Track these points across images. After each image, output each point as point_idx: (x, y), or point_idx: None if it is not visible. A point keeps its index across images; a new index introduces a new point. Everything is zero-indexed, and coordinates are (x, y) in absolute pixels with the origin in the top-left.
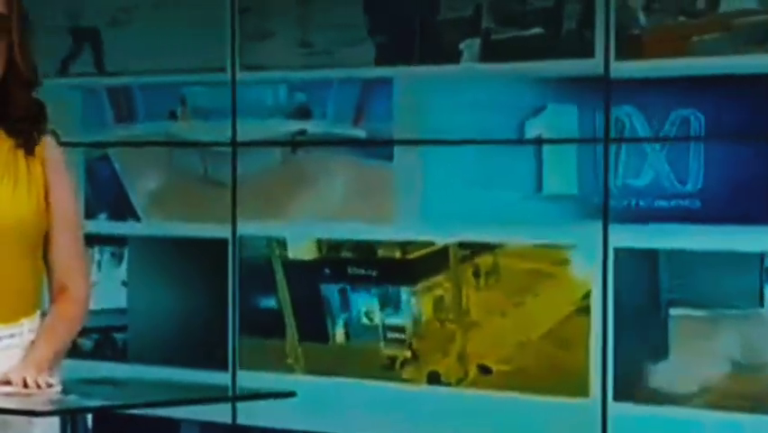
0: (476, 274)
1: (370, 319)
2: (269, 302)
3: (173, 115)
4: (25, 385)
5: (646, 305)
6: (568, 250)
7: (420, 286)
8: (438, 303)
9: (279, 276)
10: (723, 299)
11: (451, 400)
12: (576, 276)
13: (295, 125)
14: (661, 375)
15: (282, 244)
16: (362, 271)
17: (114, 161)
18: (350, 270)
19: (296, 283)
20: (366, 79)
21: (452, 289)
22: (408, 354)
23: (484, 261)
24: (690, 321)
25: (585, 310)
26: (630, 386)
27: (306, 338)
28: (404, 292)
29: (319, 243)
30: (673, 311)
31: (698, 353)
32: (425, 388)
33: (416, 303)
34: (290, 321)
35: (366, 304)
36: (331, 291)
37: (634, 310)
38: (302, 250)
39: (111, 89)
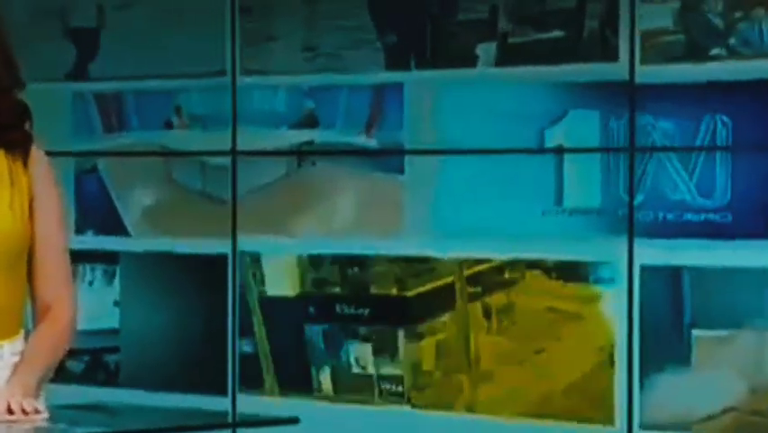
0: (487, 314)
1: (363, 367)
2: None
3: (168, 125)
4: (10, 412)
5: (672, 325)
6: (590, 269)
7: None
8: (441, 349)
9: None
10: (751, 317)
11: None
12: (602, 306)
13: (301, 135)
14: (687, 400)
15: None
16: (352, 310)
17: (102, 173)
18: (338, 308)
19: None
20: (378, 85)
21: (458, 332)
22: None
23: (496, 299)
24: (714, 342)
25: (607, 330)
26: (657, 414)
27: (286, 387)
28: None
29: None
30: (698, 332)
31: (722, 371)
32: None
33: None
34: (269, 368)
35: (356, 349)
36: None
37: (659, 330)
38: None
39: (99, 96)
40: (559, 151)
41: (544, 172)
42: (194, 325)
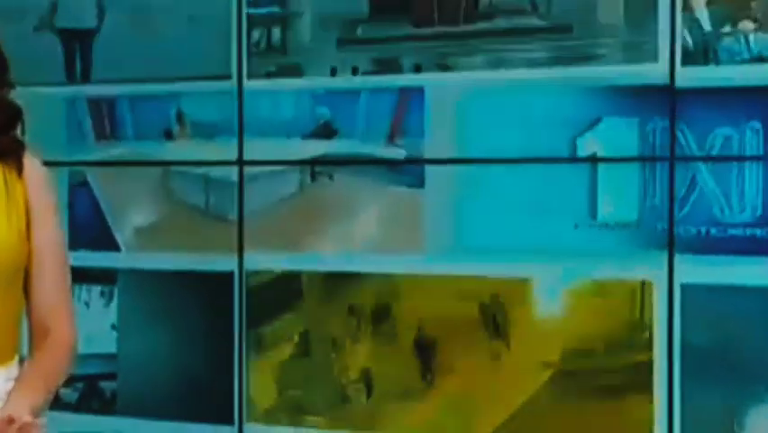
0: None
1: None
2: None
3: (168, 135)
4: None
5: (717, 349)
6: (627, 288)
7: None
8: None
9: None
10: None
11: None
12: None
13: (315, 147)
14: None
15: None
16: None
17: (93, 187)
18: None
19: None
20: (402, 88)
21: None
22: None
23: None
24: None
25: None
26: None
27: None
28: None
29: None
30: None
31: None
32: None
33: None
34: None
35: None
36: None
37: (703, 355)
38: None
39: (92, 101)
40: (593, 160)
41: (577, 183)
42: (197, 348)
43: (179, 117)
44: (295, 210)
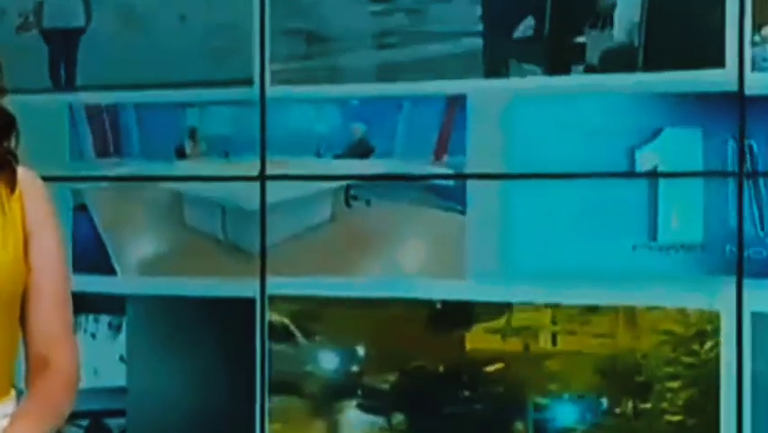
0: None
1: None
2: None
3: (180, 153)
4: None
5: None
6: (691, 316)
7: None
8: None
9: None
10: None
11: None
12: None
13: (350, 167)
14: None
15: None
16: None
17: (93, 211)
18: None
19: None
20: (448, 97)
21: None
22: None
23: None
24: None
25: (712, 388)
26: None
27: None
28: None
29: None
30: None
31: None
32: None
33: None
34: None
35: None
36: None
37: None
38: None
39: (91, 109)
40: (653, 175)
41: (635, 201)
42: (215, 381)
43: (192, 134)
44: (325, 241)
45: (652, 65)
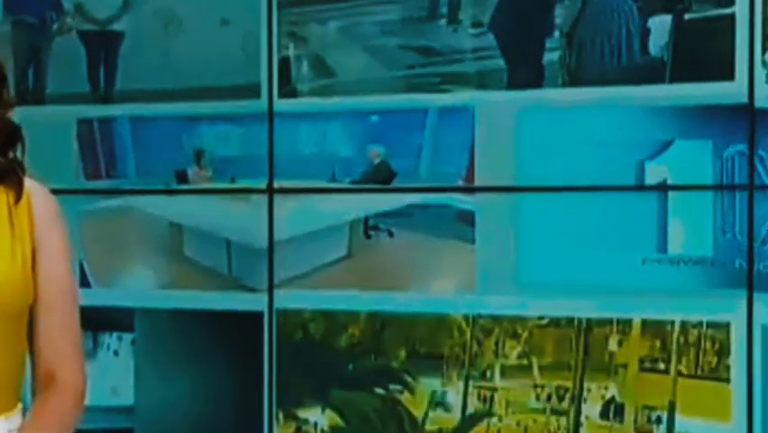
0: None
1: None
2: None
3: (182, 177)
4: None
5: None
6: (701, 330)
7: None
8: None
9: None
10: None
11: None
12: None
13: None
14: None
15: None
16: None
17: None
18: None
19: None
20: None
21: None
22: None
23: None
24: None
25: (723, 402)
26: None
27: None
28: None
29: None
30: None
31: None
32: None
33: None
34: None
35: None
36: None
37: None
38: None
39: (83, 123)
40: (663, 188)
41: (645, 214)
42: (223, 398)
43: (198, 157)
44: (343, 279)
45: (663, 78)
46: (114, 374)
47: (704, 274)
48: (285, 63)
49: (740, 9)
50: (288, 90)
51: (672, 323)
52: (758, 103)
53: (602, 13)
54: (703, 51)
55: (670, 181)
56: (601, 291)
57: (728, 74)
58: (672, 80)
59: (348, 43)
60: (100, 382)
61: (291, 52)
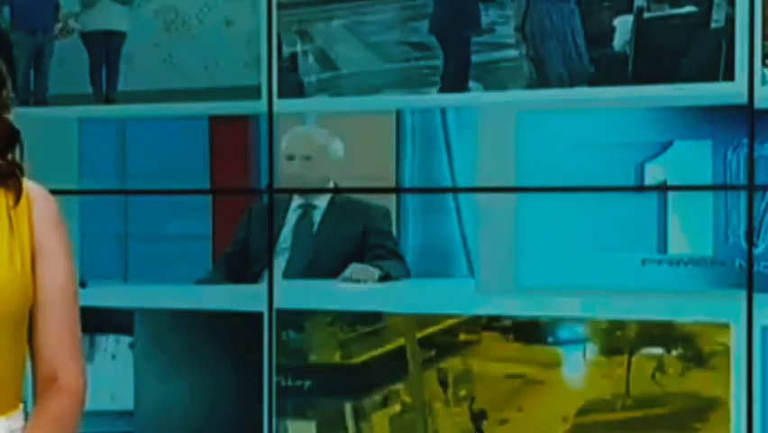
0: None
1: None
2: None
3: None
4: None
5: None
6: (701, 331)
7: None
8: None
9: None
10: None
11: None
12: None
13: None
14: None
15: None
16: None
17: None
18: None
19: None
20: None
21: None
22: None
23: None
24: None
25: (723, 402)
26: None
27: None
28: None
29: None
30: None
31: None
32: None
33: None
34: None
35: None
36: None
37: None
38: None
39: (85, 124)
40: (663, 188)
41: (645, 214)
42: (223, 398)
43: None
44: None
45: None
46: (112, 379)
47: (704, 275)
48: (293, 58)
49: (740, 9)
50: (294, 83)
51: (671, 323)
52: (757, 103)
53: None
54: (704, 52)
55: (669, 182)
56: (601, 292)
57: (728, 75)
58: (672, 81)
59: (350, 38)
60: (97, 386)
61: (299, 48)
